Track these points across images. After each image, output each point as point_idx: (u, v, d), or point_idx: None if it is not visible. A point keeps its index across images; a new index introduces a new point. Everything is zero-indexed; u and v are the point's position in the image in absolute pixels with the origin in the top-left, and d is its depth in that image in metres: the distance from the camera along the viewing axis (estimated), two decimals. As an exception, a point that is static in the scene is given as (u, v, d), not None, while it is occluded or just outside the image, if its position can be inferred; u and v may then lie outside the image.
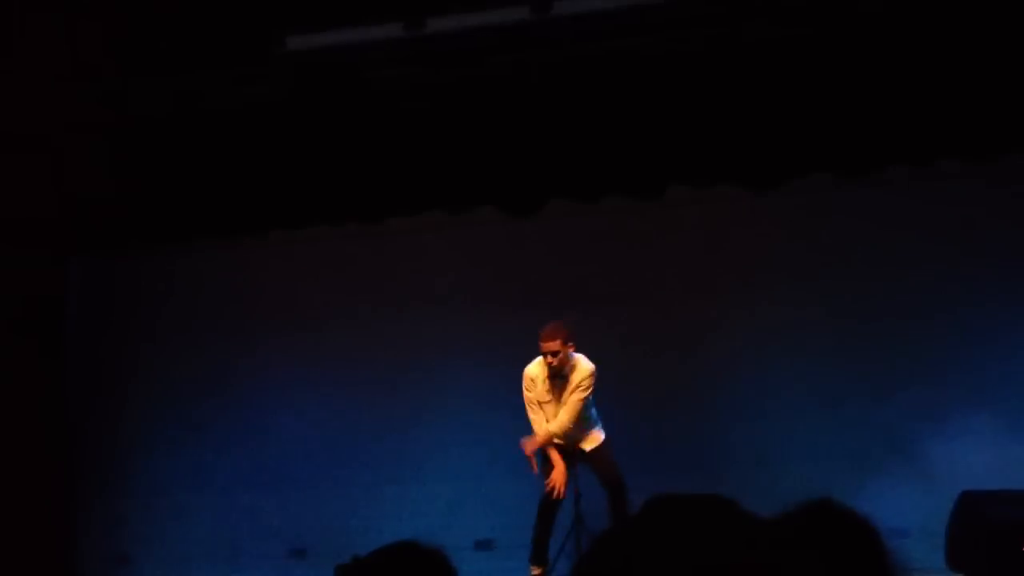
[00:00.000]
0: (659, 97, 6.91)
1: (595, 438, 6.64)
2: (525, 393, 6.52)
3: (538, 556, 6.60)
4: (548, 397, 6.47)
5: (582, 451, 6.60)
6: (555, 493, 6.41)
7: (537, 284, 7.96)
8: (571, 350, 6.38)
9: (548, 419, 6.47)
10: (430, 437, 7.76)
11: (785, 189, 7.11)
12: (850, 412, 7.39)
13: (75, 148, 7.41)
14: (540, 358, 6.41)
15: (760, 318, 7.69)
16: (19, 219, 7.44)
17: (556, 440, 6.51)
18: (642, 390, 7.74)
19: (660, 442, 7.50)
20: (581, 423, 6.53)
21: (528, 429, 6.52)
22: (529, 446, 6.46)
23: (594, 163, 7.10)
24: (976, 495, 6.35)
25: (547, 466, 6.51)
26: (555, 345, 6.28)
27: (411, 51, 6.92)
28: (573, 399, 6.41)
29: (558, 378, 6.40)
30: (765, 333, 7.67)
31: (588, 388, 6.42)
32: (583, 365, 6.44)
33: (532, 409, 6.52)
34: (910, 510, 6.65)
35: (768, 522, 1.16)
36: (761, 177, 7.05)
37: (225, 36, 6.84)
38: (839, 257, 7.66)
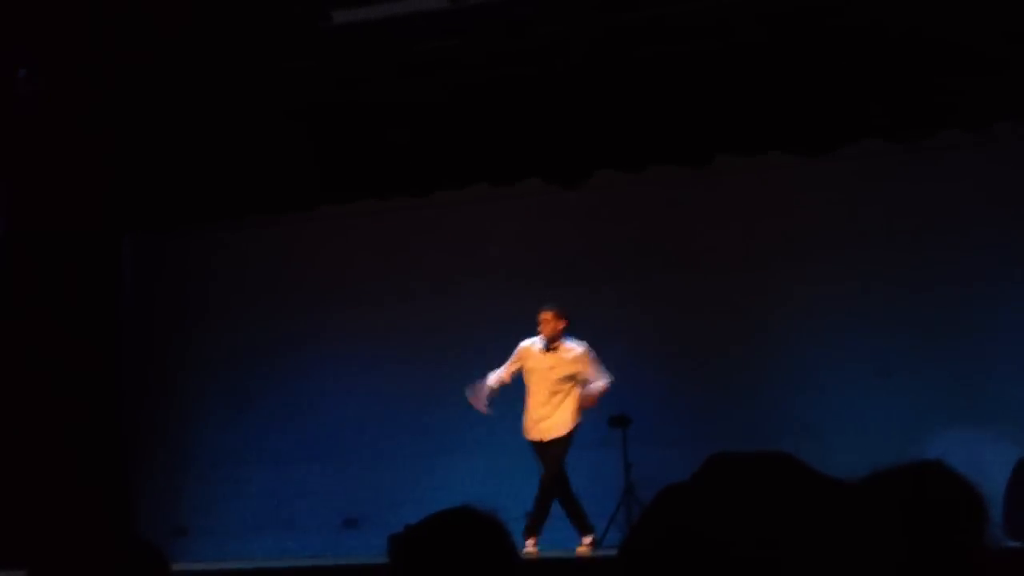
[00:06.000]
0: (706, 63, 6.81)
1: (562, 425, 6.99)
2: (517, 353, 7.14)
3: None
4: (540, 363, 7.08)
5: (540, 443, 7.00)
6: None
7: (585, 255, 7.92)
8: (562, 326, 7.05)
9: (531, 387, 7.08)
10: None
11: (835, 155, 6.97)
12: (903, 381, 7.29)
13: (127, 127, 7.48)
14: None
15: (810, 286, 7.59)
16: (74, 198, 7.52)
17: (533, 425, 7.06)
18: (692, 361, 7.69)
19: (712, 412, 7.47)
20: (561, 402, 6.98)
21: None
22: (478, 397, 7.09)
23: (640, 131, 7.02)
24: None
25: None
26: (548, 316, 7.06)
27: (455, 22, 6.87)
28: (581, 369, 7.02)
29: (550, 349, 7.08)
30: (816, 302, 7.57)
31: (587, 361, 7.02)
32: (574, 343, 7.06)
33: (509, 363, 7.14)
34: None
35: (841, 483, 1.03)
36: (811, 143, 6.92)
37: (272, 10, 6.84)
38: (890, 224, 7.53)
